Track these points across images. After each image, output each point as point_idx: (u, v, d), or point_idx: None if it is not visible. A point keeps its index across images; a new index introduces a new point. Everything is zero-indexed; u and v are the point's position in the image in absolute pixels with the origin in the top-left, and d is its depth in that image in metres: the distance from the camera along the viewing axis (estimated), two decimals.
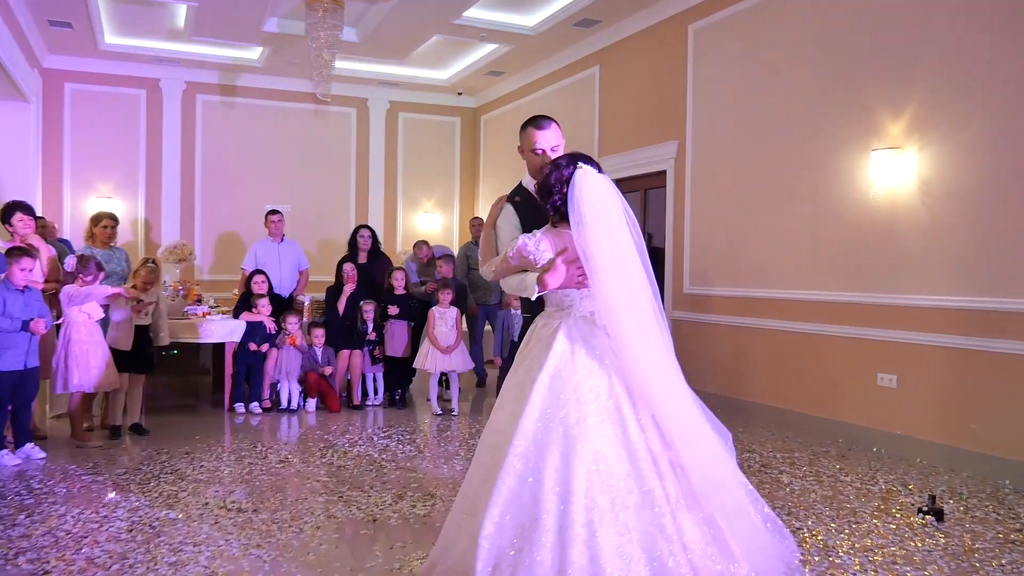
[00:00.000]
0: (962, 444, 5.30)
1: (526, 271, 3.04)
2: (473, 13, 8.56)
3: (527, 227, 3.29)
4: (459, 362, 7.00)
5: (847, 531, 4.02)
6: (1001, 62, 5.09)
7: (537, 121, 3.38)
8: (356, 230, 7.97)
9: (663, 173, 8.12)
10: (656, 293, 3.03)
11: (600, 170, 3.05)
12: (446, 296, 7.04)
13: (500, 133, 11.82)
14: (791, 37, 6.60)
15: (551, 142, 3.33)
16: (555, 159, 3.15)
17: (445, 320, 6.99)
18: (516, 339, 6.75)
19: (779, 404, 6.69)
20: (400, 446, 5.76)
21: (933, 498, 4.30)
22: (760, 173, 6.88)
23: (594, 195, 2.95)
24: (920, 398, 5.60)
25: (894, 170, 5.68)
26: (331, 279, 7.87)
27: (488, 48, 9.98)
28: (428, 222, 12.17)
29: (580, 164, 3.01)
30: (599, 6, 8.23)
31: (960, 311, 5.32)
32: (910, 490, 4.80)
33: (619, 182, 8.95)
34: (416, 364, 7.10)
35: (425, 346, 7.02)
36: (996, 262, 5.12)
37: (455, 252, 9.47)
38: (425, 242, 8.53)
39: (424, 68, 11.15)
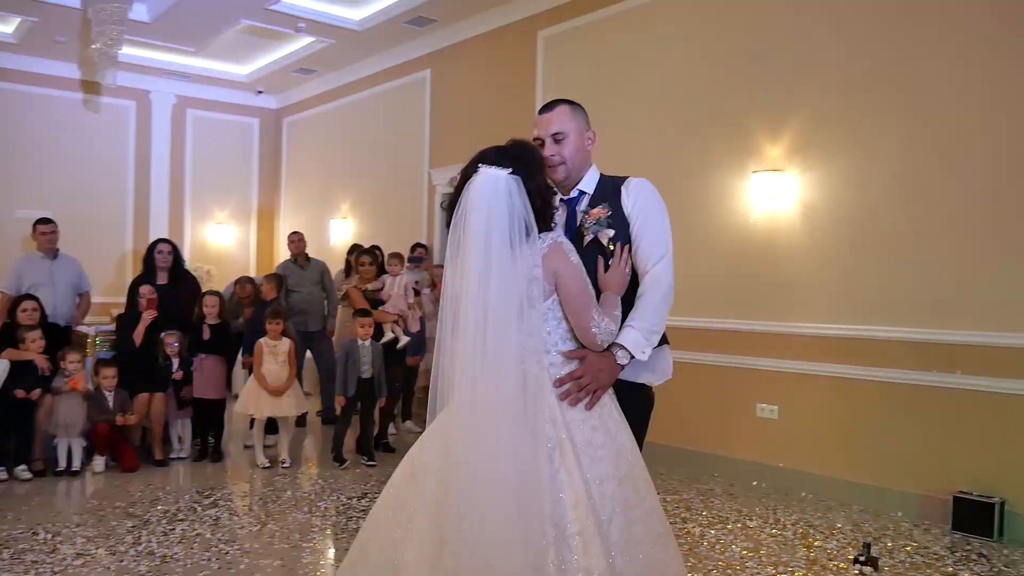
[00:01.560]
0: (845, 475, 5.14)
1: None
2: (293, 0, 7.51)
3: None
4: (292, 405, 5.91)
5: None
6: (884, 90, 4.99)
7: (546, 104, 2.64)
8: (153, 245, 6.58)
9: None
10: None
11: (524, 176, 2.22)
12: (276, 326, 5.92)
13: (307, 138, 10.70)
14: (658, 51, 6.25)
15: (551, 128, 2.58)
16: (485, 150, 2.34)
17: (276, 355, 5.87)
18: (367, 375, 5.85)
19: (649, 438, 6.25)
20: (235, 517, 4.63)
21: (868, 546, 3.99)
22: None
23: (471, 217, 2.16)
24: (802, 429, 5.39)
25: (775, 193, 5.46)
26: (115, 303, 6.47)
27: (302, 42, 8.91)
28: (221, 235, 10.74)
29: (480, 166, 2.22)
30: (436, 4, 7.51)
31: (843, 339, 5.17)
32: (821, 531, 4.51)
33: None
34: (239, 408, 5.90)
35: (251, 387, 5.86)
36: (880, 289, 5.00)
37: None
38: (250, 279, 7.20)
39: (220, 60, 9.83)
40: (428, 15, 7.82)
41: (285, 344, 5.92)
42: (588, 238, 2.54)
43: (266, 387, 5.78)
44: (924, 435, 4.79)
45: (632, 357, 2.36)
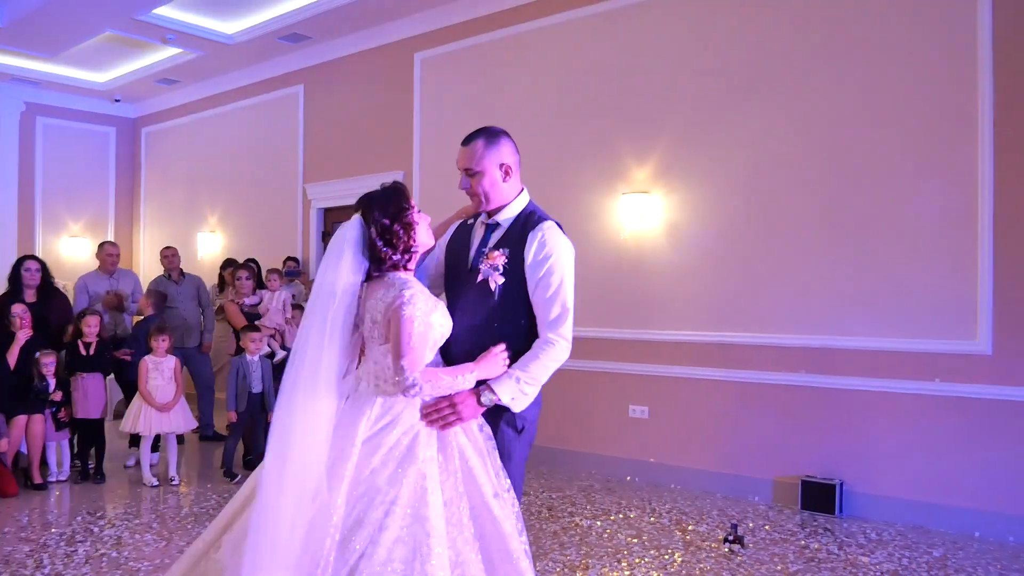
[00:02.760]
0: (709, 467, 5.74)
1: None
2: (165, 11, 7.41)
3: (449, 258, 2.86)
4: (180, 421, 5.89)
5: (689, 574, 4.08)
6: (733, 122, 5.64)
7: (467, 137, 2.74)
8: (19, 262, 6.35)
9: None
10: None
11: (367, 221, 2.49)
12: (162, 343, 5.89)
13: (168, 149, 10.44)
14: (532, 77, 6.68)
15: (464, 164, 2.69)
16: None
17: (161, 371, 5.83)
18: (256, 390, 5.92)
19: None
20: (136, 535, 4.62)
21: (735, 527, 4.56)
22: None
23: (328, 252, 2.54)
24: (670, 427, 5.96)
25: (642, 213, 6.01)
26: None
27: (167, 52, 8.74)
28: (76, 248, 10.28)
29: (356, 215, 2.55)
30: (311, 21, 7.63)
31: (705, 345, 5.78)
32: (692, 517, 5.06)
33: (332, 211, 8.40)
34: (125, 427, 5.82)
35: (137, 404, 5.79)
36: (736, 300, 5.64)
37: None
38: (110, 241, 7.53)
39: (75, 67, 9.45)
40: (303, 32, 7.91)
41: (171, 360, 5.90)
42: (480, 277, 2.64)
43: (153, 404, 5.74)
44: (775, 428, 5.46)
45: (498, 401, 2.47)
